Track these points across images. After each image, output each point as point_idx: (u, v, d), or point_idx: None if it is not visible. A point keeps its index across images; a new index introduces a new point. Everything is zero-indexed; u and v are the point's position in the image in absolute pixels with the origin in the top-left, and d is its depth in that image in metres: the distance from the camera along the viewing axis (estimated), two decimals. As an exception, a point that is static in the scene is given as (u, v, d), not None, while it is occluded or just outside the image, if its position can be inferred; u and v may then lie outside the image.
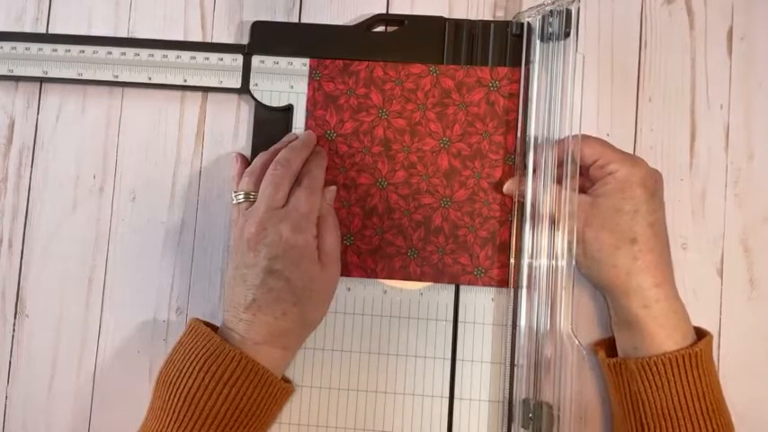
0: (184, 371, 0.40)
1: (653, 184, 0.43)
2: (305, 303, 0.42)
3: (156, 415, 0.41)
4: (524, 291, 0.45)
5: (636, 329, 0.42)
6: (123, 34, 0.51)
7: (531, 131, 0.46)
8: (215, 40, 0.51)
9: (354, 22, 0.50)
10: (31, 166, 0.50)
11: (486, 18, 0.50)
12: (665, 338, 0.42)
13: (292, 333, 0.43)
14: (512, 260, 0.47)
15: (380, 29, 0.50)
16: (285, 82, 0.48)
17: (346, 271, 0.47)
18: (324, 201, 0.45)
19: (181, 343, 0.42)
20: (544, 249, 0.44)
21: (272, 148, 0.46)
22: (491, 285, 0.47)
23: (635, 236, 0.42)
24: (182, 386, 0.40)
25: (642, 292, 0.42)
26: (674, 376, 0.41)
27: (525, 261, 0.45)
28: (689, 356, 0.41)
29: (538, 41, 0.46)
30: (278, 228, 0.42)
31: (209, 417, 0.40)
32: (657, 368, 0.41)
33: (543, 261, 0.44)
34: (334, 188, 0.47)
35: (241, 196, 0.44)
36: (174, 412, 0.40)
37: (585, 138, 0.45)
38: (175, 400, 0.40)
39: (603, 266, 0.43)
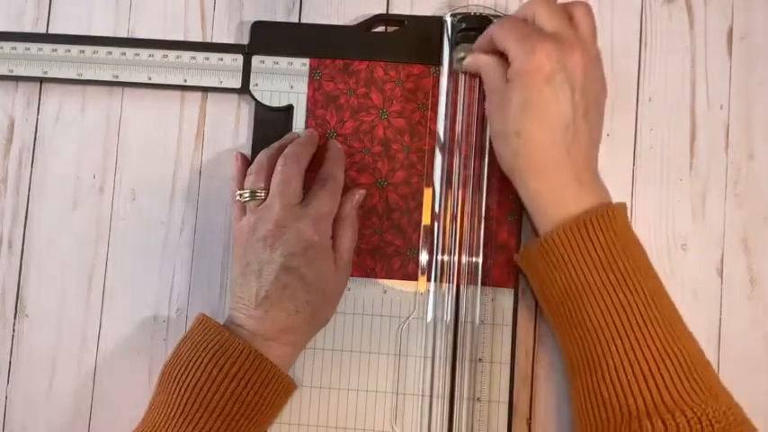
0: (192, 363, 0.40)
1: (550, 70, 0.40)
2: (317, 302, 0.43)
3: (159, 409, 0.41)
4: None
5: (529, 208, 0.42)
6: (123, 34, 0.51)
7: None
8: (215, 40, 0.51)
9: (354, 22, 0.50)
10: (31, 166, 0.50)
11: (486, 18, 0.50)
12: (553, 213, 0.40)
13: (302, 330, 0.43)
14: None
15: (380, 29, 0.50)
16: (285, 82, 0.48)
17: (346, 271, 0.47)
18: (349, 203, 0.45)
19: (188, 336, 0.42)
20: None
21: (273, 146, 0.46)
22: (491, 285, 0.47)
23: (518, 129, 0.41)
24: (189, 378, 0.40)
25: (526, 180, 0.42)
26: (565, 251, 0.39)
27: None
28: (578, 227, 0.39)
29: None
30: (297, 225, 0.42)
31: (216, 410, 0.40)
32: (549, 245, 0.40)
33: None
34: (363, 191, 0.46)
35: (247, 194, 0.44)
36: (179, 405, 0.40)
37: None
38: (182, 393, 0.40)
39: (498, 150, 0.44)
